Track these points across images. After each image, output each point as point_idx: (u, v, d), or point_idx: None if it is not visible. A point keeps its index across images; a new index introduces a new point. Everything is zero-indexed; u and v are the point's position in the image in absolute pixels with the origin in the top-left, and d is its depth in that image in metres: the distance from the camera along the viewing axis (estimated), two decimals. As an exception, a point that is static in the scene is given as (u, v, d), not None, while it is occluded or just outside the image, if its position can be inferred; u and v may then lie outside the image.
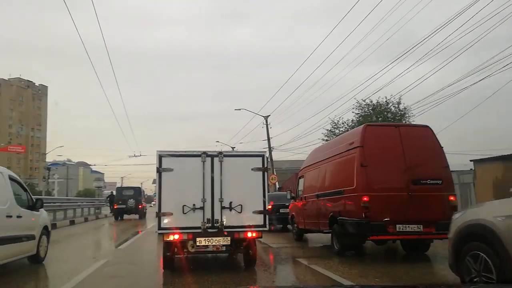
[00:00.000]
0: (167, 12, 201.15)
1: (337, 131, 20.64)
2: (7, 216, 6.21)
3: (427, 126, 8.53)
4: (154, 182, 53.48)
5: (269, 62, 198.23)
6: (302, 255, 9.00)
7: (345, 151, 8.67)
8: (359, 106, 20.36)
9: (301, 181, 11.90)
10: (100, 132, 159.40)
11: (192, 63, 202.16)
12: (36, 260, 7.37)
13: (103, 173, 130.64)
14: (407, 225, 7.70)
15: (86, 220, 22.61)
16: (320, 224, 9.83)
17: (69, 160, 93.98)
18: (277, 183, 28.45)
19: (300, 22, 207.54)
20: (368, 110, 20.63)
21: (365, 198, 7.69)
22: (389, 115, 19.64)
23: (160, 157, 6.45)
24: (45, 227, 7.87)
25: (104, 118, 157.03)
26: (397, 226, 7.66)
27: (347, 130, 20.24)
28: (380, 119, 19.54)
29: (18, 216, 6.63)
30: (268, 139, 30.00)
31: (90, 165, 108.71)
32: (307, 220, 10.82)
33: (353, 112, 20.34)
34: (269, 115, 30.32)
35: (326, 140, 21.56)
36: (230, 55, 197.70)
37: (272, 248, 10.14)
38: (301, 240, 11.76)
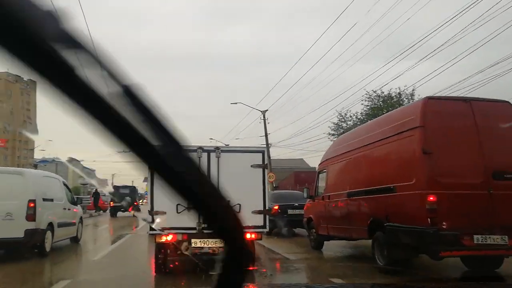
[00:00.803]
0: (163, 10, 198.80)
1: (344, 124, 18.61)
2: (63, 209, 9.70)
3: (507, 102, 6.38)
4: (145, 180, 52.14)
5: (264, 61, 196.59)
6: (334, 272, 6.77)
7: (395, 135, 6.50)
8: (368, 98, 18.29)
9: (323, 176, 9.73)
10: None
11: (186, 62, 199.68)
12: (75, 240, 10.78)
13: (94, 170, 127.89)
14: (488, 236, 5.57)
15: None
16: (353, 230, 7.69)
17: (58, 158, 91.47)
18: (273, 182, 26.30)
19: (298, 20, 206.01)
20: (378, 101, 18.52)
21: (431, 198, 5.57)
22: None
23: None
24: (80, 218, 11.34)
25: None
26: (475, 237, 5.53)
27: (356, 124, 18.14)
28: (389, 111, 17.76)
29: (69, 209, 10.15)
30: (266, 135, 27.78)
31: (79, 161, 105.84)
32: (333, 225, 8.62)
33: (362, 103, 18.31)
34: (267, 110, 28.14)
35: (333, 135, 19.37)
36: (225, 53, 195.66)
37: (292, 262, 7.94)
38: (321, 249, 9.50)
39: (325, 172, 9.52)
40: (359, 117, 19.18)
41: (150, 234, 6.04)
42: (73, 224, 10.28)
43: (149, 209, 6.06)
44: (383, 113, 17.53)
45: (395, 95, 18.62)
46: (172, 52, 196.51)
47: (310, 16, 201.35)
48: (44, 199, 8.40)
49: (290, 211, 12.41)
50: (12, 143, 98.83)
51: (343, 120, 18.64)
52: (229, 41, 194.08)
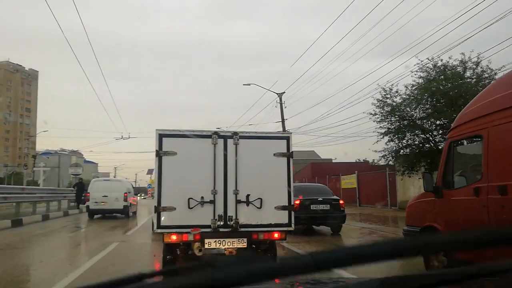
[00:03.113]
0: (166, 4, 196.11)
1: (389, 101, 16.21)
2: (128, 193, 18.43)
3: None
4: (148, 172, 49.14)
5: (268, 55, 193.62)
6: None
7: None
8: (421, 68, 15.76)
9: (468, 150, 5.81)
10: (90, 120, 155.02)
11: (191, 56, 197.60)
12: (127, 216, 17.78)
13: (97, 163, 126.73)
14: None
15: (45, 218, 15.97)
16: None
17: (62, 150, 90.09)
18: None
19: (304, 14, 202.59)
20: (435, 72, 15.52)
21: None
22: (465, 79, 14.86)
23: (160, 137, 5.44)
24: (130, 203, 18.41)
25: (92, 107, 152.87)
26: None
27: (404, 101, 15.88)
28: (449, 85, 15.06)
29: (133, 198, 19.31)
30: (283, 120, 25.70)
31: (82, 154, 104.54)
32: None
33: (412, 76, 15.58)
34: (284, 92, 26.02)
35: (374, 114, 16.56)
36: (230, 47, 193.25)
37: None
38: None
39: (477, 141, 5.14)
40: (410, 89, 15.97)
41: (157, 232, 5.39)
42: (135, 205, 19.83)
43: (156, 204, 5.33)
44: (440, 86, 14.85)
45: (458, 64, 15.24)
46: (179, 45, 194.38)
47: (317, 9, 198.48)
48: (128, 192, 18.08)
49: (313, 207, 11.10)
50: (13, 134, 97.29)
51: (387, 96, 16.24)
52: (236, 34, 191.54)
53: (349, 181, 28.51)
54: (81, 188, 21.54)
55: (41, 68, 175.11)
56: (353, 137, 52.07)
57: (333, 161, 53.07)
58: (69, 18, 15.65)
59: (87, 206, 17.42)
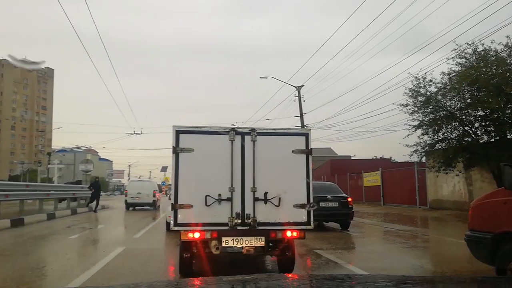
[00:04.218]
0: (179, 2, 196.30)
1: (422, 90, 14.63)
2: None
3: None
4: (162, 169, 48.79)
5: (282, 54, 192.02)
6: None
7: None
8: (459, 54, 14.05)
9: None
10: (105, 117, 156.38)
11: (204, 54, 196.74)
12: (155, 208, 22.73)
13: (111, 161, 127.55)
14: None
15: (51, 217, 14.90)
16: None
17: (78, 147, 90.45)
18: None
19: (316, 13, 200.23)
20: (476, 59, 13.72)
21: None
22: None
23: (177, 134, 5.30)
24: (157, 199, 23.71)
25: (106, 104, 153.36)
26: None
27: (440, 90, 14.33)
28: (493, 71, 13.40)
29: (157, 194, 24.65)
30: (301, 114, 24.29)
31: (97, 152, 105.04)
32: None
33: (449, 63, 13.82)
34: (303, 85, 24.58)
35: (405, 106, 15.14)
36: (243, 46, 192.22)
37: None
38: None
39: None
40: (444, 80, 14.29)
41: (174, 230, 5.27)
42: (159, 200, 23.64)
43: (173, 202, 5.25)
44: (480, 74, 13.19)
45: (502, 49, 13.37)
46: (193, 43, 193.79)
47: (331, 6, 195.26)
48: (156, 190, 23.30)
49: (322, 204, 11.49)
50: (29, 131, 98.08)
51: (420, 85, 14.67)
52: (250, 32, 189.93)
53: (372, 179, 26.92)
54: (97, 188, 20.20)
55: (57, 66, 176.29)
56: (378, 131, 50.40)
57: (352, 157, 51.48)
58: (86, 17, 14.81)
59: (125, 200, 22.82)
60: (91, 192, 20.35)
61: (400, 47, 30.40)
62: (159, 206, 22.98)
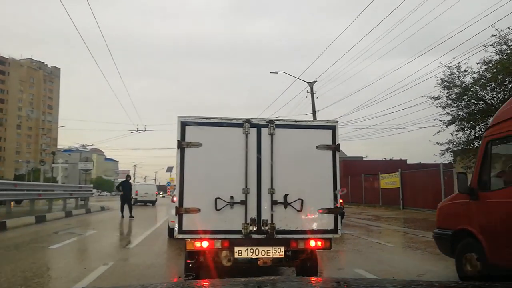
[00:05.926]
0: (186, 3, 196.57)
1: (456, 81, 12.97)
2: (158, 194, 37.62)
3: None
4: (168, 170, 48.45)
5: (288, 55, 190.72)
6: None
7: None
8: (499, 41, 12.31)
9: (508, 148, 5.19)
10: (110, 116, 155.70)
11: (210, 54, 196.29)
12: (154, 204, 30.41)
13: (117, 161, 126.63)
14: None
15: (40, 220, 13.62)
16: None
17: (84, 147, 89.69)
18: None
19: (323, 14, 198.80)
20: None
21: None
22: None
23: (183, 126, 4.69)
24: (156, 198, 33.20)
25: (110, 103, 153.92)
26: None
27: (478, 81, 12.67)
28: None
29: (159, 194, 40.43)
30: (314, 111, 22.77)
31: (103, 152, 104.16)
32: None
33: (487, 50, 12.06)
34: (315, 81, 23.02)
35: (437, 98, 13.75)
36: (250, 47, 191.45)
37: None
38: None
39: None
40: (481, 71, 12.59)
41: (178, 238, 4.59)
42: (155, 199, 31.58)
43: (177, 205, 4.61)
44: None
45: None
46: (199, 44, 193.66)
47: (335, 9, 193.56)
48: (156, 191, 34.22)
49: None
50: (35, 131, 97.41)
51: (454, 76, 13.04)
52: (254, 33, 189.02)
53: (390, 180, 25.20)
54: (128, 189, 16.73)
55: (63, 65, 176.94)
56: (398, 128, 48.68)
57: (364, 158, 49.70)
58: (91, 17, 13.93)
59: (136, 198, 26.54)
60: (119, 194, 16.88)
61: (412, 46, 28.63)
62: (156, 201, 31.77)
